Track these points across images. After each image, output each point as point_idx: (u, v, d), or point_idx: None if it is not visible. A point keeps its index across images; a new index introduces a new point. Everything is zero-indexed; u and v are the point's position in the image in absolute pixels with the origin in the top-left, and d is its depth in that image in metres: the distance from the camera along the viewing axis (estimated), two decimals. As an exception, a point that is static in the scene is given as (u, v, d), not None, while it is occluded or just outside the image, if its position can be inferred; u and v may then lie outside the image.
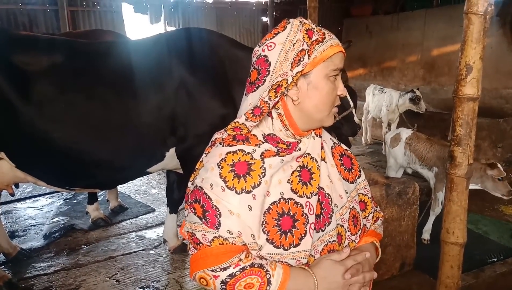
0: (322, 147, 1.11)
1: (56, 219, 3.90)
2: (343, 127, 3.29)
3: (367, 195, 1.19)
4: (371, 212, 1.19)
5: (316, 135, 1.09)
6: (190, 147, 2.55)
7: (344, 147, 1.21)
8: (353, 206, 1.12)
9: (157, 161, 2.68)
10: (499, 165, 3.07)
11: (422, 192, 3.87)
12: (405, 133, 3.81)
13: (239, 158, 0.99)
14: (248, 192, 0.96)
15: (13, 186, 2.83)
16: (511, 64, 6.81)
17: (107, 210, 4.09)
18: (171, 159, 2.68)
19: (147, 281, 2.86)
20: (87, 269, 3.04)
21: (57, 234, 3.58)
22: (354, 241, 1.11)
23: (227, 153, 0.99)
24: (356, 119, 3.34)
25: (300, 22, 1.01)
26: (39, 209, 4.28)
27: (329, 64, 0.99)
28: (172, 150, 2.64)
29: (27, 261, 3.15)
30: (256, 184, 0.97)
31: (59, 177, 2.61)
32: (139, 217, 3.99)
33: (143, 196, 4.63)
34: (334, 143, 1.18)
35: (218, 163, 0.98)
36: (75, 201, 4.40)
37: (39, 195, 4.63)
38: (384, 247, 2.70)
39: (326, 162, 1.09)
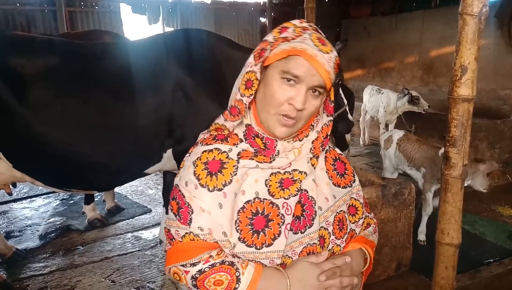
0: (314, 154, 1.07)
1: (52, 219, 3.89)
2: (338, 125, 3.31)
3: (358, 201, 1.16)
4: (362, 217, 1.16)
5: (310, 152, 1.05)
6: (187, 148, 2.53)
7: (338, 151, 1.19)
8: (341, 210, 1.09)
9: (155, 163, 2.67)
10: (486, 161, 3.12)
11: (420, 193, 3.90)
12: (397, 134, 3.88)
13: (214, 156, 1.00)
14: (219, 189, 0.97)
15: (11, 186, 2.82)
16: (509, 65, 6.82)
17: (103, 210, 4.08)
18: (168, 160, 2.67)
19: (142, 282, 2.85)
20: (82, 270, 3.03)
21: (53, 234, 3.57)
22: (339, 245, 1.08)
23: (203, 152, 1.01)
24: (349, 116, 3.36)
25: (295, 24, 0.99)
26: (35, 209, 4.27)
27: (282, 65, 0.94)
28: (169, 151, 2.63)
29: (23, 261, 3.14)
30: (227, 182, 0.98)
31: (56, 178, 2.61)
32: (136, 218, 3.98)
33: (139, 196, 4.62)
34: (329, 146, 1.16)
35: (193, 162, 1.01)
36: (72, 202, 4.39)
37: (36, 196, 4.62)
38: (380, 248, 2.70)
39: (315, 167, 1.07)
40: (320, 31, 1.00)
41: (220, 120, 1.04)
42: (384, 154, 3.95)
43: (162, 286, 2.80)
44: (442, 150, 3.29)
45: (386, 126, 6.29)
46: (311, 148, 1.05)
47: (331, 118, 1.06)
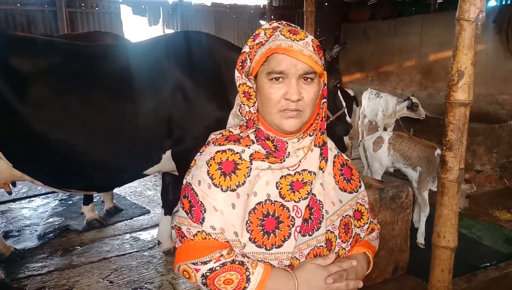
0: (324, 157, 1.10)
1: (50, 219, 3.90)
2: (336, 127, 3.31)
3: (364, 206, 1.19)
4: (367, 222, 1.18)
5: (315, 146, 1.08)
6: (186, 149, 2.56)
7: (345, 157, 1.21)
8: (346, 215, 1.12)
9: (154, 164, 2.68)
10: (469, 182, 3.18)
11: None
12: (386, 134, 3.93)
13: (228, 157, 1.01)
14: (233, 190, 0.99)
15: (10, 185, 2.83)
16: (507, 70, 6.87)
17: (102, 211, 4.09)
18: (167, 162, 2.69)
19: (140, 283, 2.86)
20: (80, 270, 3.03)
21: (51, 234, 3.57)
22: (345, 249, 1.11)
23: (216, 152, 1.02)
24: (348, 119, 3.38)
25: (265, 28, 1.04)
26: (34, 209, 4.27)
27: (265, 68, 0.99)
28: (168, 153, 2.65)
29: (21, 261, 3.15)
30: (241, 183, 1.00)
31: (55, 178, 2.62)
32: (134, 219, 3.99)
33: (138, 197, 4.63)
34: (338, 152, 1.19)
35: (207, 161, 1.02)
36: (70, 202, 4.39)
37: (34, 196, 4.62)
38: (377, 251, 2.69)
39: (323, 172, 1.10)
40: (292, 24, 1.04)
41: (235, 131, 1.07)
42: (373, 156, 3.94)
43: (159, 287, 2.81)
44: (438, 151, 3.37)
45: (385, 129, 6.31)
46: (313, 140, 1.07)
47: (325, 100, 1.07)
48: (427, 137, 6.15)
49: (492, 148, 5.34)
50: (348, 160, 1.21)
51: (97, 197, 4.34)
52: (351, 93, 5.53)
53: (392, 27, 9.13)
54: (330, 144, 1.17)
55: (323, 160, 1.09)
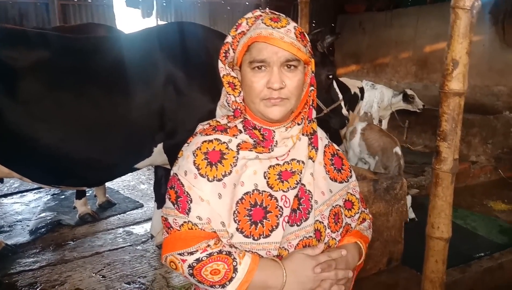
0: (313, 145, 1.08)
1: (43, 214, 3.86)
2: (332, 120, 3.27)
3: (355, 196, 1.18)
4: (358, 212, 1.17)
5: (303, 134, 1.07)
6: (179, 142, 2.49)
7: (336, 147, 1.20)
8: (336, 204, 1.10)
9: (145, 157, 2.65)
10: None
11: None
12: (360, 125, 4.16)
13: (214, 147, 1.01)
14: (219, 180, 0.98)
15: (-2, 181, 2.79)
16: (503, 62, 6.84)
17: (95, 205, 4.05)
18: (159, 155, 2.66)
19: (133, 277, 2.84)
20: (73, 265, 3.00)
21: (43, 229, 3.54)
22: (335, 239, 1.10)
23: (203, 142, 1.02)
24: (344, 111, 3.34)
25: (247, 17, 1.03)
26: (26, 204, 4.23)
27: (248, 57, 0.99)
28: (160, 146, 2.61)
29: (12, 256, 3.11)
30: (227, 173, 0.99)
31: (44, 175, 2.56)
32: (127, 213, 3.96)
33: (131, 191, 4.59)
34: (328, 141, 1.18)
35: (193, 151, 1.01)
36: (63, 197, 4.35)
37: (26, 191, 4.57)
38: (372, 242, 2.66)
39: (313, 161, 1.08)
40: (276, 12, 1.03)
41: (223, 121, 1.06)
42: (349, 144, 4.20)
43: (153, 281, 2.79)
44: (397, 148, 3.68)
45: (380, 121, 6.30)
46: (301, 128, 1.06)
47: (313, 88, 1.06)
48: (422, 129, 6.16)
49: (487, 139, 5.36)
50: (339, 150, 1.20)
51: (90, 192, 4.29)
52: (360, 84, 5.50)
53: (388, 19, 9.08)
54: (321, 133, 1.15)
55: (313, 150, 1.08)
